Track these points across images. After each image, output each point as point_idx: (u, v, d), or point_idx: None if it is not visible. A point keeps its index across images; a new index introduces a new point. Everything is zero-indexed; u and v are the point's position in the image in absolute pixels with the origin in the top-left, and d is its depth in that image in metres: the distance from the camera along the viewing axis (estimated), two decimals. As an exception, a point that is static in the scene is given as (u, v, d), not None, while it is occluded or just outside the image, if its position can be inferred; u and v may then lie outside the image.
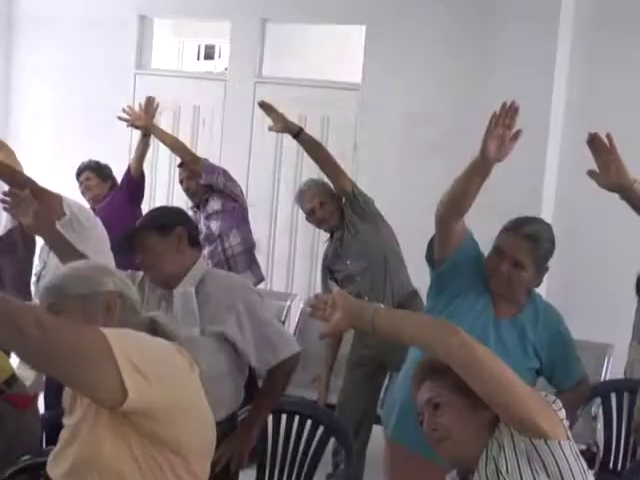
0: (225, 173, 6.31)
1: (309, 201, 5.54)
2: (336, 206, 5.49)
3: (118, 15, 8.67)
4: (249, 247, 6.36)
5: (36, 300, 4.80)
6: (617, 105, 6.66)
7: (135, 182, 6.50)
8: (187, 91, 8.50)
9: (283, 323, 6.22)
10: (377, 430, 4.79)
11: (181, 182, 6.43)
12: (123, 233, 3.96)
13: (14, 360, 3.74)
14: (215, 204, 6.26)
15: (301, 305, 6.77)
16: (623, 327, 5.10)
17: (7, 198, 4.12)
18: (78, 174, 6.60)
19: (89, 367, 2.25)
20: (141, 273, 3.86)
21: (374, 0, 7.52)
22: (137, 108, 6.46)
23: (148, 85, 8.62)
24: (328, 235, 5.68)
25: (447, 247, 3.61)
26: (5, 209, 4.22)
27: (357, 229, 5.42)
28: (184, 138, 7.99)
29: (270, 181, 8.08)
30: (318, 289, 6.46)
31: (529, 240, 3.54)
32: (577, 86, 6.78)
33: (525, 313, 3.62)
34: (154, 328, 2.62)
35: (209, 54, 11.86)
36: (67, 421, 2.62)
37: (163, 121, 8.54)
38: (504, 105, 3.28)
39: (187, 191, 6.40)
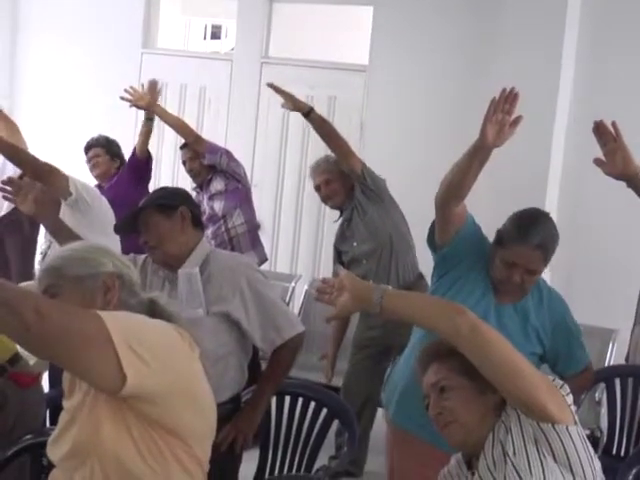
0: (228, 153, 6.29)
1: (317, 177, 5.59)
2: (342, 184, 5.49)
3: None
4: (252, 227, 6.35)
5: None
6: (623, 94, 6.63)
7: (140, 163, 6.48)
8: (193, 71, 8.47)
9: (287, 304, 6.22)
10: (381, 413, 4.79)
11: (184, 163, 6.42)
12: (127, 213, 3.94)
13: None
14: (218, 184, 6.24)
15: (305, 286, 6.76)
16: (627, 312, 5.09)
17: (7, 187, 4.12)
18: (87, 149, 6.54)
19: (87, 352, 2.24)
20: (143, 255, 3.85)
21: (382, -19, 7.49)
22: (140, 89, 6.43)
23: (154, 64, 8.61)
24: (335, 216, 5.68)
25: (447, 231, 3.59)
26: (5, 197, 4.22)
27: (365, 210, 5.41)
28: (190, 118, 7.98)
29: (276, 162, 8.06)
30: (323, 270, 6.48)
31: (539, 249, 3.48)
32: (584, 75, 6.74)
33: (529, 298, 3.60)
34: (153, 309, 2.61)
35: (216, 33, 11.85)
36: (66, 404, 2.61)
37: (169, 100, 8.54)
38: (504, 90, 3.25)
39: (190, 172, 6.38)
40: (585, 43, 6.73)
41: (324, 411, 4.11)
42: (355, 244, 5.46)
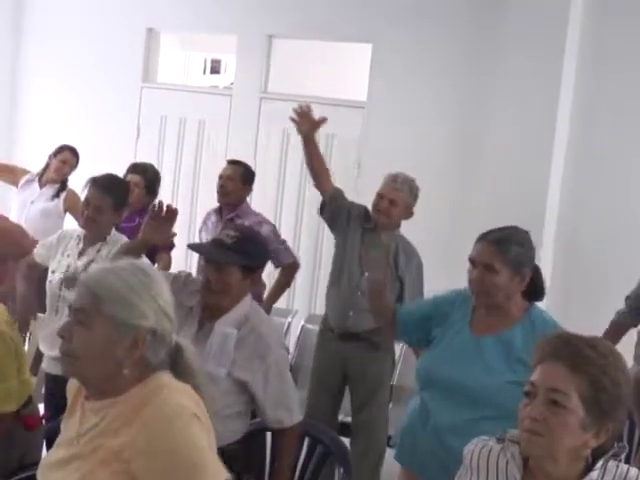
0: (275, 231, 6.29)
1: (390, 189, 5.48)
2: (400, 214, 5.46)
3: (126, 28, 8.72)
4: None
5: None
6: (623, 111, 6.65)
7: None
8: (192, 105, 8.52)
9: (284, 338, 6.24)
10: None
11: (220, 177, 6.25)
12: (211, 252, 3.83)
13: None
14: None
15: (302, 322, 6.78)
16: (625, 342, 5.13)
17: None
18: (129, 171, 6.46)
19: None
20: (198, 282, 3.87)
21: (380, 19, 7.54)
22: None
23: (154, 98, 8.67)
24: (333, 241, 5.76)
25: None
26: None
27: None
28: (188, 152, 8.06)
29: (274, 197, 8.09)
30: (319, 306, 6.49)
31: (495, 244, 3.58)
32: (583, 94, 6.75)
33: (516, 329, 3.62)
34: (176, 359, 2.51)
35: (215, 68, 11.91)
36: (63, 443, 2.54)
37: (168, 134, 8.60)
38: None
39: (222, 188, 6.20)
40: (585, 59, 6.72)
41: (319, 448, 4.12)
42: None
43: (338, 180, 7.77)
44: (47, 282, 4.99)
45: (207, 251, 3.94)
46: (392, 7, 7.49)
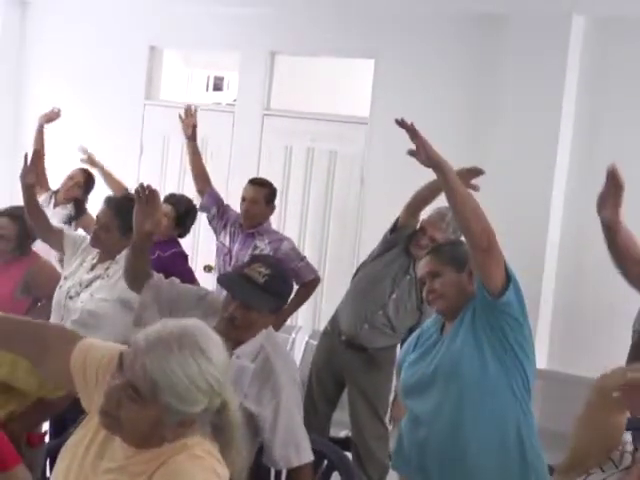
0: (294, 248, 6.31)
1: (436, 230, 5.45)
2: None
3: (128, 46, 8.75)
4: None
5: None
6: (624, 131, 6.67)
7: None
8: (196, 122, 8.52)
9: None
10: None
11: (243, 199, 6.21)
12: (243, 293, 3.72)
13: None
14: (261, 245, 6.17)
15: (306, 337, 6.77)
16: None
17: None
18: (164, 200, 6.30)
19: None
20: (218, 302, 3.82)
21: (383, 34, 7.56)
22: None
23: (157, 115, 8.69)
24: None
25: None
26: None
27: None
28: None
29: (277, 213, 8.07)
30: (323, 322, 6.48)
31: (429, 255, 3.83)
32: (584, 111, 6.78)
33: (465, 314, 3.67)
34: (220, 414, 2.46)
35: (218, 85, 11.92)
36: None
37: (172, 151, 8.61)
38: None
39: (246, 212, 6.18)
40: (586, 79, 6.78)
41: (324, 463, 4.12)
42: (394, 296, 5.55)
43: (341, 196, 7.84)
44: (57, 287, 5.07)
45: (240, 292, 3.71)
46: (394, 23, 7.50)
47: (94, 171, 7.34)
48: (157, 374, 2.27)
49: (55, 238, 5.28)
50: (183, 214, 6.34)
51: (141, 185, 3.88)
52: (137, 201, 3.87)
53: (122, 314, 4.80)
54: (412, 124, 3.63)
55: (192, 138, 6.49)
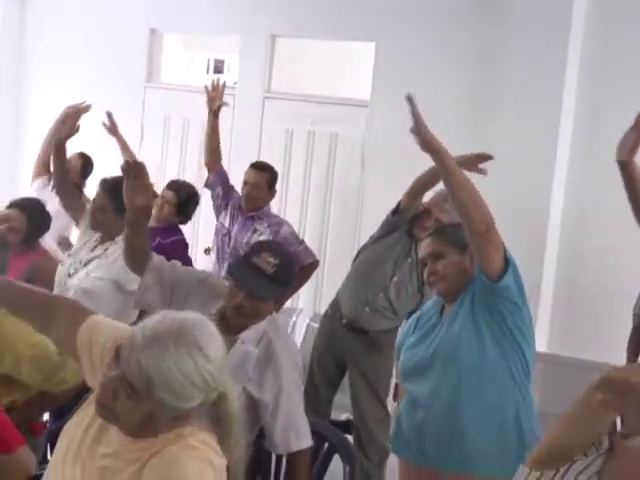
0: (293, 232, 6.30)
1: (440, 211, 5.40)
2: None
3: (129, 29, 8.73)
4: None
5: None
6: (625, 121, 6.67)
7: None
8: (196, 105, 8.49)
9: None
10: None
11: (245, 183, 6.20)
12: (254, 286, 3.68)
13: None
14: (260, 228, 6.17)
15: (307, 320, 6.78)
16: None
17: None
18: (165, 188, 6.34)
19: None
20: (222, 286, 3.83)
21: (383, 17, 7.54)
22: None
23: (158, 98, 8.68)
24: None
25: None
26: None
27: None
28: (192, 152, 8.06)
29: (278, 196, 8.07)
30: (324, 304, 6.49)
31: (431, 236, 3.85)
32: (586, 101, 6.78)
33: (465, 296, 3.69)
34: (217, 405, 2.45)
35: (218, 68, 11.89)
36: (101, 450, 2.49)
37: (172, 134, 8.61)
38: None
39: (248, 195, 6.18)
40: (586, 71, 6.77)
41: (325, 445, 4.12)
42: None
43: (342, 179, 7.84)
44: (60, 264, 5.13)
45: (250, 284, 3.68)
46: (395, 6, 7.49)
47: (110, 141, 7.21)
48: (152, 371, 2.27)
49: (77, 208, 5.33)
50: (185, 201, 6.29)
51: (126, 161, 3.84)
52: (125, 177, 3.80)
53: (114, 294, 4.83)
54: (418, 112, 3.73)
55: (216, 114, 6.42)
